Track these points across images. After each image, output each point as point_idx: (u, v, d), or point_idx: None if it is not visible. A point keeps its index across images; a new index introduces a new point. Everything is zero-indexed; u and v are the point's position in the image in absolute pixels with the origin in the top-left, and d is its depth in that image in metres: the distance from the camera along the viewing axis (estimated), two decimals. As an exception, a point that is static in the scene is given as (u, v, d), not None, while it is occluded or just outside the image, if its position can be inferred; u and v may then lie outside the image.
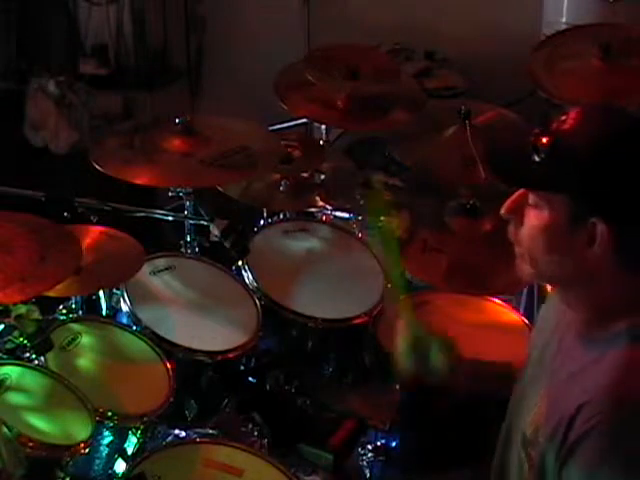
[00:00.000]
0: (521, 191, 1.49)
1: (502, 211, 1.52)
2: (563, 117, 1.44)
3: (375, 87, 2.86)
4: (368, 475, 2.26)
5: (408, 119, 2.82)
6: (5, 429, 1.91)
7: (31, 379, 2.12)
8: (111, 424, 2.13)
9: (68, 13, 4.54)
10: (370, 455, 2.28)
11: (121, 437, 2.17)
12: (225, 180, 2.67)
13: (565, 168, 1.41)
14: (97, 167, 2.47)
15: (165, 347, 2.34)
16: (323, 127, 3.07)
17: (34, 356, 2.18)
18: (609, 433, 1.35)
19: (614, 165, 1.39)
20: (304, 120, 3.37)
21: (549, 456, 1.45)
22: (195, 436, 2.21)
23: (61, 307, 2.50)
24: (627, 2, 3.54)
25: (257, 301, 2.52)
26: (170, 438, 2.22)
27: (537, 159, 1.44)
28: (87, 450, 2.03)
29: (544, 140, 1.43)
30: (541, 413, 1.51)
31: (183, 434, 2.23)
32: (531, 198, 1.46)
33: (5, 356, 2.23)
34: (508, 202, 1.51)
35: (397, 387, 2.39)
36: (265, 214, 2.87)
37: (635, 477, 1.35)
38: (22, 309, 2.13)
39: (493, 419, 1.85)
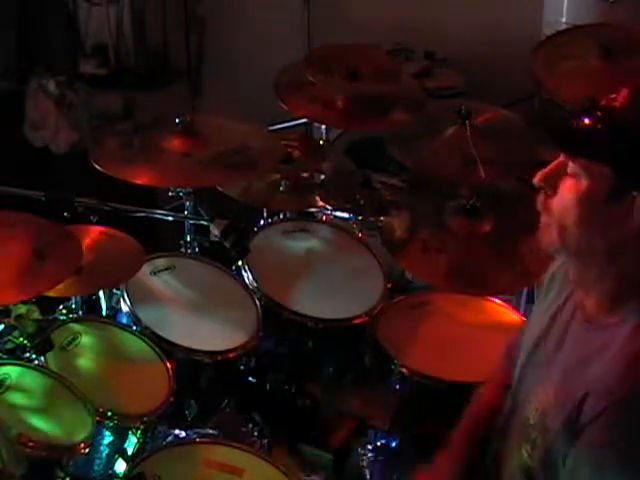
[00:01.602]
0: (559, 160, 1.48)
1: (536, 179, 1.50)
2: (613, 95, 1.44)
3: (375, 87, 2.85)
4: (368, 475, 2.26)
5: (408, 119, 2.82)
6: (5, 429, 1.91)
7: (31, 379, 2.12)
8: (111, 424, 2.13)
9: (68, 13, 4.54)
10: (370, 455, 2.28)
11: (121, 437, 2.17)
12: (225, 180, 2.67)
13: (614, 138, 1.40)
14: (97, 167, 2.47)
15: (165, 347, 2.34)
16: (323, 127, 3.07)
17: (34, 356, 2.17)
18: (619, 416, 1.36)
19: None
20: (304, 120, 3.37)
21: (558, 441, 1.46)
22: (195, 436, 2.21)
23: (61, 307, 2.50)
24: (627, 2, 3.54)
25: (257, 301, 2.52)
26: (170, 438, 2.22)
27: (589, 127, 1.42)
28: (87, 450, 2.03)
29: (596, 112, 1.42)
30: (548, 398, 1.51)
31: (183, 434, 2.23)
32: (571, 167, 1.45)
33: (5, 356, 2.23)
34: (543, 170, 1.50)
35: (397, 387, 2.39)
36: (265, 214, 2.86)
37: None
38: (22, 309, 2.13)
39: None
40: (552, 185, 1.48)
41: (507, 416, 1.70)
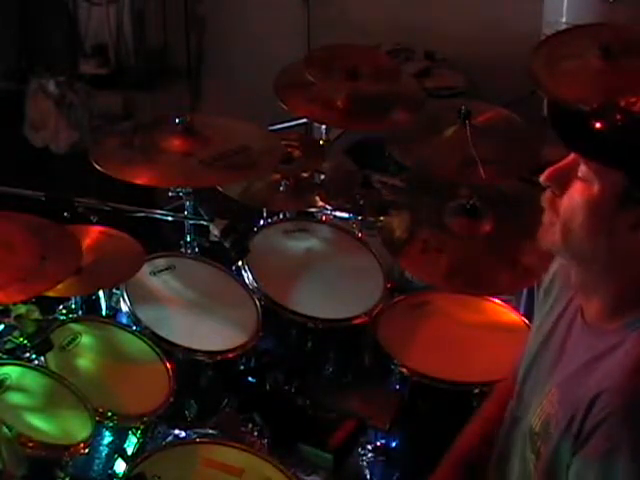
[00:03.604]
0: (570, 159, 1.45)
1: (543, 177, 1.47)
2: (633, 99, 1.40)
3: (375, 87, 2.85)
4: (368, 475, 2.26)
5: (408, 119, 2.82)
6: (5, 429, 1.91)
7: (31, 379, 2.12)
8: (111, 424, 2.13)
9: (68, 13, 4.55)
10: (370, 455, 2.28)
11: (121, 437, 2.17)
12: (225, 180, 2.67)
13: (629, 144, 1.37)
14: (97, 167, 2.47)
15: (165, 347, 2.34)
16: (323, 127, 3.07)
17: (34, 356, 2.17)
18: (625, 421, 1.35)
19: None
20: (304, 120, 3.37)
21: (563, 448, 1.44)
22: (195, 436, 2.21)
23: (61, 307, 2.50)
24: (627, 2, 3.54)
25: (257, 301, 2.52)
26: (170, 438, 2.22)
27: (604, 130, 1.39)
28: (87, 450, 2.02)
29: (613, 114, 1.39)
30: (552, 404, 1.49)
31: (183, 434, 2.23)
32: (582, 170, 1.41)
33: (5, 356, 2.22)
34: (552, 169, 1.46)
35: (397, 387, 2.39)
36: (265, 214, 2.86)
37: None
38: (22, 309, 2.13)
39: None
40: (561, 185, 1.44)
41: (510, 423, 1.68)
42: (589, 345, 1.48)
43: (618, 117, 1.38)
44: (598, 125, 1.40)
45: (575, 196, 1.42)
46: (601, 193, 1.39)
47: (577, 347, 1.51)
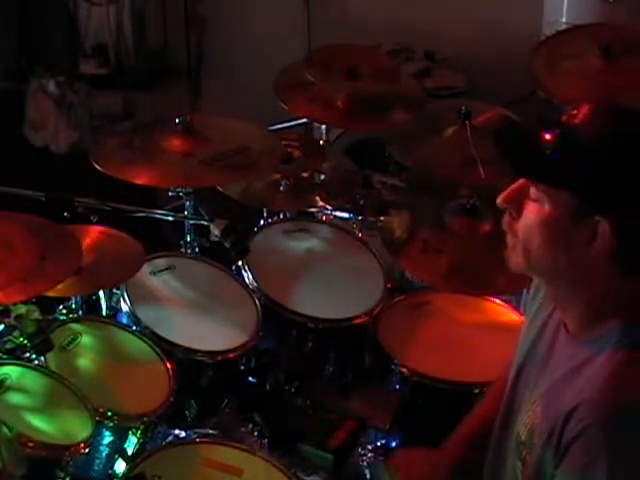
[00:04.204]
0: (521, 182, 1.47)
1: (499, 200, 1.49)
2: (574, 111, 1.41)
3: (375, 87, 2.85)
4: (368, 475, 2.26)
5: (408, 119, 2.82)
6: (5, 429, 1.91)
7: (31, 379, 2.12)
8: (111, 424, 2.13)
9: (68, 13, 4.54)
10: (370, 455, 2.28)
11: (121, 437, 2.17)
12: (225, 180, 2.67)
13: (573, 163, 1.38)
14: (97, 167, 2.47)
15: (165, 347, 2.34)
16: (323, 127, 3.07)
17: (34, 356, 2.17)
18: (601, 434, 1.34)
19: (623, 164, 1.37)
20: (304, 120, 3.37)
21: (546, 459, 1.44)
22: (195, 436, 2.21)
23: (61, 307, 2.50)
24: (627, 2, 3.54)
25: (257, 301, 2.52)
26: (170, 438, 2.22)
27: (546, 151, 1.40)
28: (87, 450, 2.02)
29: (553, 133, 1.40)
30: (536, 414, 1.50)
31: (183, 434, 2.23)
32: (532, 191, 1.44)
33: (5, 356, 2.23)
34: (506, 192, 1.48)
35: (397, 387, 2.39)
36: (265, 214, 2.87)
37: (626, 478, 1.34)
38: (22, 309, 2.13)
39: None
40: (516, 207, 1.47)
41: (499, 431, 1.69)
42: (570, 355, 1.48)
43: (559, 136, 1.40)
44: (539, 147, 1.41)
45: (530, 217, 1.45)
46: (553, 212, 1.41)
47: (560, 357, 1.52)
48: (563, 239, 1.42)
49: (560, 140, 1.40)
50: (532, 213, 1.44)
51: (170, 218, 2.59)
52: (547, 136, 1.41)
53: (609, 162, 1.37)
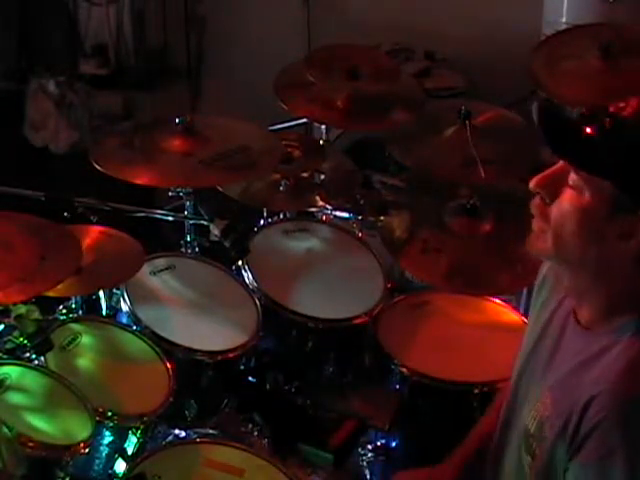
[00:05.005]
0: (559, 166, 1.44)
1: (532, 184, 1.46)
2: (622, 103, 1.39)
3: (375, 87, 2.85)
4: (368, 475, 2.26)
5: (408, 119, 2.82)
6: (5, 429, 1.91)
7: (31, 379, 2.12)
8: (111, 424, 2.13)
9: (68, 13, 4.55)
10: (370, 455, 2.28)
11: (121, 437, 2.17)
12: (225, 180, 2.67)
13: (619, 154, 1.37)
14: (97, 167, 2.47)
15: (165, 347, 2.34)
16: (323, 127, 3.07)
17: (34, 356, 2.17)
18: (619, 425, 1.35)
19: None
20: (304, 120, 3.37)
21: (559, 450, 1.44)
22: (195, 436, 2.21)
23: (61, 307, 2.49)
24: (627, 2, 3.54)
25: (257, 301, 2.52)
26: (170, 438, 2.22)
27: (593, 138, 1.38)
28: (87, 450, 2.02)
29: (602, 122, 1.38)
30: (545, 407, 1.49)
31: (183, 434, 2.23)
32: (572, 178, 1.41)
33: (5, 356, 2.22)
34: (541, 175, 1.46)
35: (397, 387, 2.39)
36: (265, 214, 2.86)
37: None
38: (22, 309, 2.13)
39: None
40: (550, 192, 1.44)
41: (505, 422, 1.68)
42: (582, 347, 1.48)
43: (607, 124, 1.38)
44: (587, 134, 1.39)
45: (565, 204, 1.42)
46: (591, 202, 1.39)
47: (570, 348, 1.51)
48: (598, 230, 1.40)
49: (608, 129, 1.37)
50: (569, 200, 1.41)
51: (170, 218, 2.59)
52: (595, 124, 1.38)
53: None
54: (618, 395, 1.36)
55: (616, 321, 1.44)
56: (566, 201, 1.42)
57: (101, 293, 2.51)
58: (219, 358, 2.37)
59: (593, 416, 1.37)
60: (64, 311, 2.48)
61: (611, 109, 1.39)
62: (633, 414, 1.35)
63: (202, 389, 2.39)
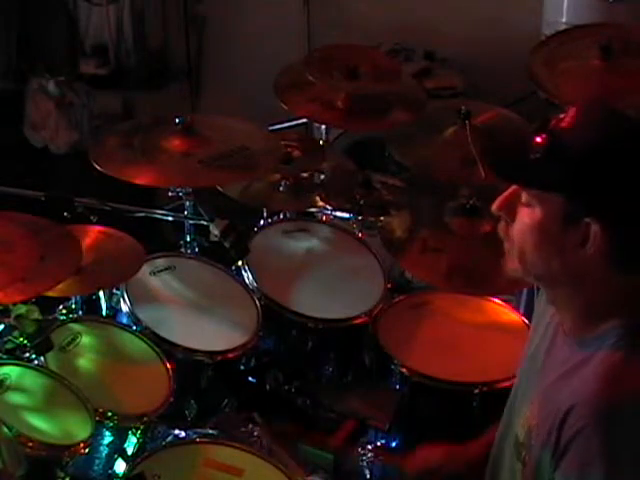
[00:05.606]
0: (514, 188, 1.48)
1: (493, 207, 1.51)
2: (561, 115, 1.43)
3: (375, 87, 2.85)
4: (368, 475, 2.26)
5: (408, 119, 2.82)
6: (5, 429, 1.91)
7: (31, 379, 2.12)
8: (111, 424, 2.13)
9: (68, 13, 4.54)
10: (370, 455, 2.28)
11: (121, 437, 2.17)
12: (225, 180, 2.67)
13: (561, 167, 1.39)
14: (97, 167, 2.47)
15: (165, 347, 2.34)
16: (323, 127, 3.07)
17: (34, 356, 2.18)
18: (597, 434, 1.35)
19: (611, 166, 1.38)
20: (304, 120, 3.37)
21: (544, 460, 1.45)
22: (195, 436, 2.21)
23: (61, 307, 2.50)
24: (627, 2, 3.54)
25: (257, 301, 2.52)
26: (170, 438, 2.22)
27: (533, 157, 1.42)
28: (87, 450, 2.03)
29: (541, 138, 1.42)
30: (533, 415, 1.50)
31: (183, 434, 2.23)
32: (524, 196, 1.45)
33: (5, 356, 2.23)
34: (500, 199, 1.50)
35: (397, 387, 2.39)
36: (265, 214, 2.87)
37: (623, 477, 1.35)
38: (22, 309, 2.13)
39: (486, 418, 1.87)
40: (510, 213, 1.49)
41: (503, 429, 1.69)
42: (566, 356, 1.49)
43: (546, 140, 1.41)
44: (527, 153, 1.43)
45: (523, 222, 1.46)
46: (544, 216, 1.43)
47: (558, 357, 1.52)
48: (555, 242, 1.43)
49: (547, 144, 1.41)
50: (525, 218, 1.46)
51: (170, 218, 2.59)
52: (535, 140, 1.42)
53: (596, 164, 1.38)
54: (596, 404, 1.36)
55: (599, 329, 1.45)
56: (522, 219, 1.47)
57: (101, 293, 2.51)
58: (219, 358, 2.37)
59: (572, 425, 1.38)
60: (64, 311, 2.48)
61: (551, 124, 1.43)
62: (611, 423, 1.35)
63: (202, 389, 2.39)
